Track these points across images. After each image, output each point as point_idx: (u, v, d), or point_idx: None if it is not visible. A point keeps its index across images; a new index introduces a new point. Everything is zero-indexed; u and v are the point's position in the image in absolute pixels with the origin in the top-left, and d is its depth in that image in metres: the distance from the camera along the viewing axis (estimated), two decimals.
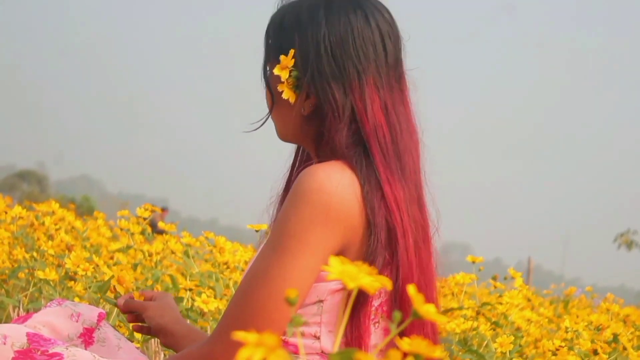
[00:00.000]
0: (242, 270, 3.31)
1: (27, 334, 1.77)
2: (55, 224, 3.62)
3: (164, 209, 20.86)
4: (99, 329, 2.08)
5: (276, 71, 1.74)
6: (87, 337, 2.06)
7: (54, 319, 2.04)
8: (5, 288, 3.42)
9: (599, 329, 2.76)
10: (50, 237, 3.54)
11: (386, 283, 0.90)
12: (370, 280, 0.87)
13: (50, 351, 1.73)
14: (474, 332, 3.05)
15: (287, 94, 1.74)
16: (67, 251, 3.35)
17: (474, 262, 3.22)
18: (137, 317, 2.14)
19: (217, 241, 3.27)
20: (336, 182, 1.62)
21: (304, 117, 1.76)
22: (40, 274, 2.96)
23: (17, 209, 3.69)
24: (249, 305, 1.63)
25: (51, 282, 2.99)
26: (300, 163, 1.94)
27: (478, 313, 3.13)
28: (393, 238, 1.64)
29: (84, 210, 26.55)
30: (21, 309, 3.07)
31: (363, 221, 1.63)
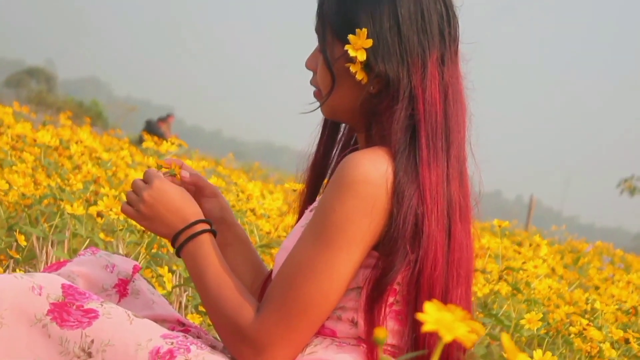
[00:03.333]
0: (269, 217, 3.30)
1: (63, 286, 1.73)
2: (82, 154, 3.58)
3: (169, 115, 20.87)
4: (133, 282, 2.07)
5: (352, 53, 1.66)
6: (121, 289, 2.05)
7: (88, 269, 2.02)
8: (28, 213, 3.40)
9: (629, 312, 2.75)
10: (77, 167, 3.51)
11: (480, 330, 0.89)
12: (466, 330, 0.85)
13: (86, 306, 1.70)
14: (495, 296, 3.06)
15: (361, 75, 1.68)
16: (93, 183, 3.34)
17: (500, 227, 3.20)
18: None
19: (245, 187, 3.24)
20: (382, 171, 1.59)
21: (371, 96, 1.71)
22: (68, 209, 2.94)
23: (45, 136, 3.65)
24: (297, 298, 1.62)
25: (79, 217, 2.97)
26: (329, 140, 1.91)
27: (500, 278, 3.12)
28: (420, 229, 1.61)
29: (92, 114, 26.50)
30: (50, 245, 3.06)
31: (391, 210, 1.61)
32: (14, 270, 2.89)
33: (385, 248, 1.60)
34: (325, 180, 1.96)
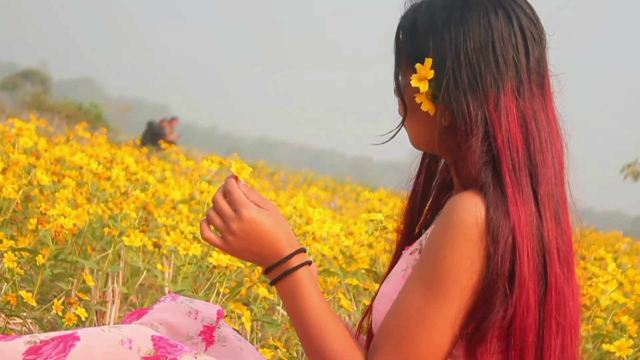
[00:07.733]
0: (327, 241, 3.20)
1: (153, 338, 1.67)
2: (127, 179, 3.47)
3: (173, 119, 20.88)
4: (218, 328, 1.99)
5: (414, 83, 1.60)
6: (207, 336, 1.99)
7: (171, 317, 1.96)
8: (79, 244, 3.27)
9: None
10: (125, 194, 3.40)
11: None
12: None
13: (179, 359, 1.63)
14: None
15: (427, 106, 1.62)
16: (142, 210, 3.24)
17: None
18: None
19: (304, 211, 3.14)
20: (484, 212, 1.52)
21: (444, 128, 1.63)
22: (126, 241, 2.83)
23: (84, 159, 3.54)
24: (410, 352, 1.55)
25: (135, 249, 2.87)
26: (428, 170, 1.83)
27: None
28: (514, 270, 1.53)
29: (92, 117, 26.43)
30: (102, 275, 2.96)
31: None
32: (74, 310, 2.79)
33: (485, 291, 1.53)
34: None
